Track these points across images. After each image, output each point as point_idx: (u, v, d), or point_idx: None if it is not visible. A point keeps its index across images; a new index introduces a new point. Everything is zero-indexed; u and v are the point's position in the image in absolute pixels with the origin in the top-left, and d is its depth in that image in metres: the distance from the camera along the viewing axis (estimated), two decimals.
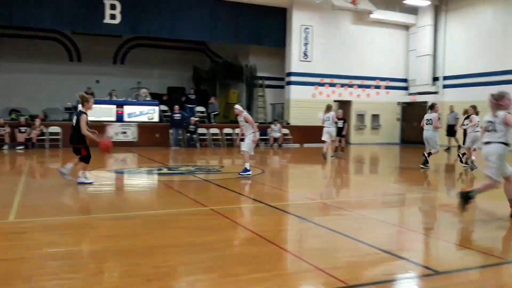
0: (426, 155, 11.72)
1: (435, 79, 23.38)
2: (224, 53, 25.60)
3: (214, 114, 21.33)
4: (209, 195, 7.86)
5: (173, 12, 20.09)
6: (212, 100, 21.63)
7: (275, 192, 8.52)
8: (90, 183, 8.13)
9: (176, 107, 18.94)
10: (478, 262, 4.17)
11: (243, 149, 9.93)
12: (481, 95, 20.26)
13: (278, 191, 8.62)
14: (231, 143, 19.78)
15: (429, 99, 22.91)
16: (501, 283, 3.65)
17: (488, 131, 5.73)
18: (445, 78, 22.97)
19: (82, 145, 8.01)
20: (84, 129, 7.85)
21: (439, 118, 11.91)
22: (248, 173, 9.67)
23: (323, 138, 13.87)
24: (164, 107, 20.62)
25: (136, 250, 4.40)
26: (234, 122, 22.32)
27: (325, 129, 13.87)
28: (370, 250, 4.45)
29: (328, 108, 14.19)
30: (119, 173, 10.77)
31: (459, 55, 22.16)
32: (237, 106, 10.16)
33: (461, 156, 12.53)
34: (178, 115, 18.76)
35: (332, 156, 14.58)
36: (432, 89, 23.15)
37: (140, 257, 4.17)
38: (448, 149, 18.63)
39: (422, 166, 11.68)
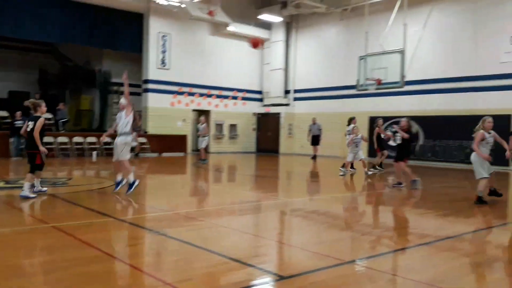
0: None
1: (287, 91, 24.89)
2: (75, 56, 24.02)
3: (62, 122, 19.81)
4: (53, 211, 7.18)
5: (16, 10, 18.22)
6: (61, 106, 20.09)
7: (128, 205, 8.12)
8: (33, 197, 7.67)
9: (18, 113, 17.11)
10: (320, 264, 4.41)
11: (124, 158, 8.42)
12: (326, 108, 22.31)
13: (131, 204, 8.24)
14: (82, 153, 18.54)
15: (282, 110, 24.36)
16: (338, 283, 3.91)
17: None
18: (296, 91, 24.59)
19: (38, 151, 7.80)
20: (37, 132, 7.70)
21: (353, 129, 13.41)
22: (136, 184, 8.40)
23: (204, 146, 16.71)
24: (3, 113, 18.53)
25: None
26: (85, 130, 21.06)
27: (206, 138, 16.76)
28: (221, 260, 4.44)
29: (203, 120, 16.72)
30: None
31: (308, 70, 23.92)
32: (122, 100, 8.67)
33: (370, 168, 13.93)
34: (20, 122, 16.96)
35: (205, 161, 16.57)
36: (284, 101, 24.60)
37: None
38: (314, 158, 19.74)
39: (372, 170, 13.65)
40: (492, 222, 7.11)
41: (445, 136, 18.06)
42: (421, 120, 18.70)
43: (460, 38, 18.18)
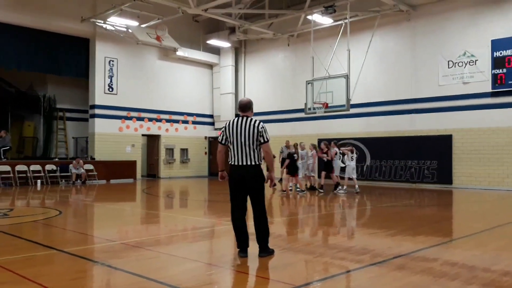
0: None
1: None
2: (17, 82, 23.09)
3: (4, 150, 18.90)
4: None
5: None
6: (2, 133, 19.17)
7: (73, 235, 7.80)
8: None
9: None
10: None
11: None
12: (278, 131, 22.53)
13: (76, 235, 7.91)
14: (25, 182, 17.72)
15: None
16: None
17: None
18: None
19: None
20: None
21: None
22: None
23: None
24: None
25: None
26: (28, 158, 20.21)
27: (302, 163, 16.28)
28: None
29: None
30: None
31: (257, 94, 24.13)
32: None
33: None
34: None
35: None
36: None
37: None
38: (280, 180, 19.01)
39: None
40: (438, 240, 7.35)
41: (390, 156, 18.70)
42: (367, 141, 19.32)
43: (400, 63, 19.07)
